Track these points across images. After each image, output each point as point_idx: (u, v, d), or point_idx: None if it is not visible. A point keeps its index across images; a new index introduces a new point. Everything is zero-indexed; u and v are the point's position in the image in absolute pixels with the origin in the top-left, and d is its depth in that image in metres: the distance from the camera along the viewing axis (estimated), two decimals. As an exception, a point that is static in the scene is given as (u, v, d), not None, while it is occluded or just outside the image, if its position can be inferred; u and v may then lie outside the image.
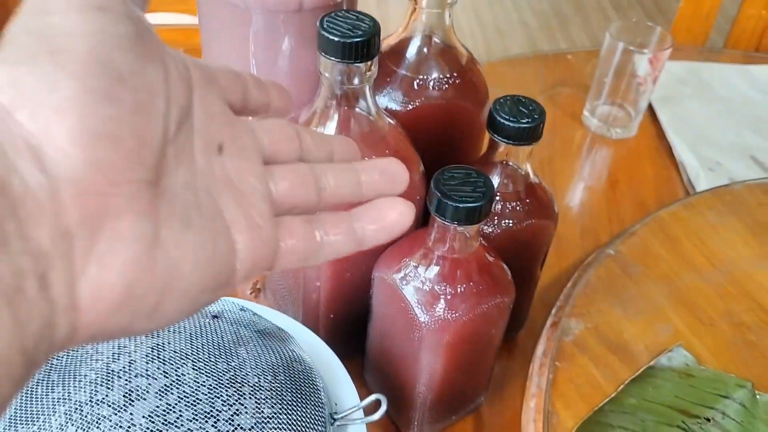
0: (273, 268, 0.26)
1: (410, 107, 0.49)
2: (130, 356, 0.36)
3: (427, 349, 0.44)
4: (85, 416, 0.33)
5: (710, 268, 0.56)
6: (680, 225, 0.59)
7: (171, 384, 0.35)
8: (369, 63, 0.40)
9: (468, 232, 0.41)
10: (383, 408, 0.40)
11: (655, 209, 0.65)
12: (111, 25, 0.20)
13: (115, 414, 0.33)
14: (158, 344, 0.37)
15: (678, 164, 0.78)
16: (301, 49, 0.46)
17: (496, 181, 0.47)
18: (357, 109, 0.43)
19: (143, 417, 0.33)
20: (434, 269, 0.43)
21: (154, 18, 0.98)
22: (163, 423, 0.34)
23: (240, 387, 0.36)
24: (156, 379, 0.35)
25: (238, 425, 0.35)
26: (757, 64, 0.94)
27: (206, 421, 0.34)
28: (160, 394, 0.34)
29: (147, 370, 0.35)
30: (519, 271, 0.46)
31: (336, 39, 0.38)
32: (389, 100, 0.50)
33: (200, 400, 0.34)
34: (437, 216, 0.40)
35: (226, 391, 0.35)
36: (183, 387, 0.35)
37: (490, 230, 0.47)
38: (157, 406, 0.34)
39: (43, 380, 0.36)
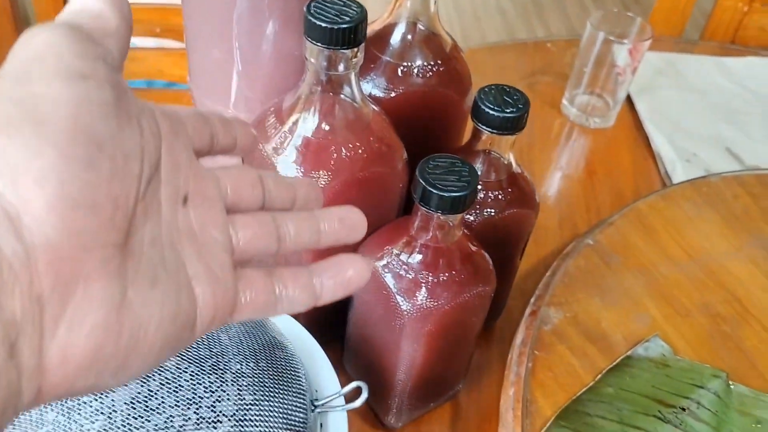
0: (232, 320, 0.26)
1: (394, 94, 0.49)
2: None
3: (408, 337, 0.44)
4: (65, 402, 0.33)
5: (687, 260, 0.57)
6: (658, 216, 0.60)
7: (152, 371, 0.34)
8: (355, 50, 0.39)
9: (452, 221, 0.41)
10: (364, 395, 0.40)
11: (632, 199, 0.66)
12: (93, 93, 0.21)
13: (96, 400, 0.33)
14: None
15: (655, 155, 0.79)
16: (286, 34, 0.46)
17: (478, 169, 0.47)
18: (342, 96, 0.42)
19: (125, 403, 0.33)
20: (417, 257, 0.43)
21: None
22: (144, 409, 0.33)
23: (222, 374, 0.36)
24: (137, 365, 0.34)
25: (220, 412, 0.35)
26: (732, 56, 0.95)
27: (188, 408, 0.34)
28: (141, 381, 0.34)
29: (128, 357, 0.35)
30: (499, 260, 0.47)
31: (323, 25, 0.37)
32: (373, 87, 0.49)
33: (182, 387, 0.34)
34: (421, 205, 0.40)
35: (208, 377, 0.35)
36: (164, 373, 0.34)
37: (472, 218, 0.48)
38: (139, 392, 0.33)
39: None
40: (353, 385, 0.41)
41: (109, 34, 0.23)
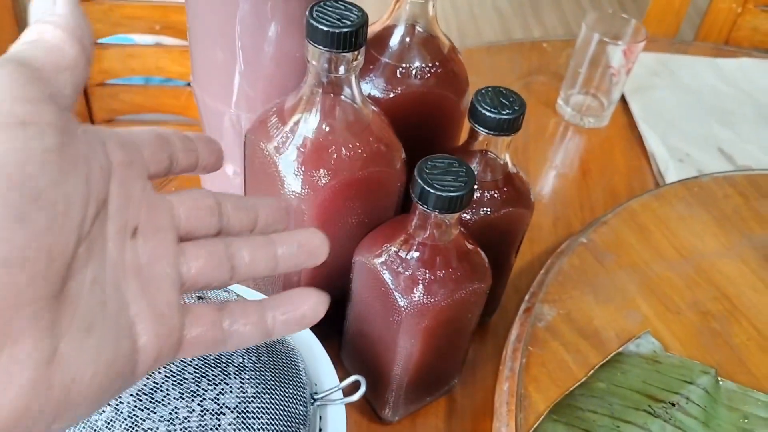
0: (177, 357, 0.25)
1: (393, 95, 0.50)
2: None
3: (405, 332, 0.45)
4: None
5: (678, 258, 0.58)
6: (650, 215, 0.61)
7: (158, 364, 0.35)
8: (356, 53, 0.40)
9: (449, 219, 0.42)
10: (362, 389, 0.41)
11: (626, 198, 0.67)
12: (34, 140, 0.20)
13: (103, 393, 0.34)
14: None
15: (648, 154, 0.80)
16: (288, 35, 0.47)
17: (475, 169, 0.48)
18: (342, 97, 0.43)
19: (131, 395, 0.34)
20: (414, 255, 0.44)
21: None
22: (150, 401, 0.34)
23: (225, 367, 0.37)
24: (143, 359, 0.35)
25: (223, 404, 0.36)
26: (726, 57, 0.96)
27: (192, 400, 0.35)
28: (147, 375, 0.35)
29: (134, 351, 0.36)
30: (495, 258, 0.48)
31: (325, 28, 0.38)
32: (372, 88, 0.50)
33: (186, 380, 0.35)
34: (419, 204, 0.41)
35: (212, 370, 0.36)
36: (170, 366, 0.35)
37: (468, 217, 0.49)
38: (145, 385, 0.34)
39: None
40: (351, 379, 0.42)
41: (64, 68, 0.22)
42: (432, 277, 0.43)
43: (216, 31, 0.48)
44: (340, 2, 0.40)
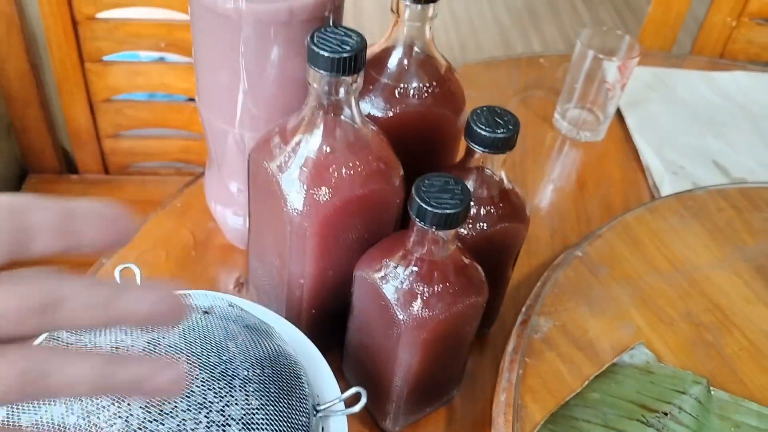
0: None
1: (391, 114, 0.52)
2: (127, 350, 0.38)
3: (405, 345, 0.46)
4: (86, 406, 0.35)
5: (672, 270, 0.59)
6: (644, 228, 0.63)
7: (166, 377, 0.37)
8: (355, 76, 0.42)
9: (445, 236, 0.44)
10: (363, 401, 0.43)
11: (622, 210, 0.68)
12: None
13: (114, 404, 0.35)
14: (154, 339, 0.39)
15: (644, 167, 0.81)
16: (290, 58, 0.48)
17: (471, 186, 0.50)
18: (342, 117, 0.45)
19: (140, 407, 0.36)
20: (413, 270, 0.45)
21: (132, 12, 0.99)
22: (159, 413, 0.36)
23: (231, 380, 0.38)
24: (152, 372, 0.37)
25: (229, 416, 0.37)
26: (721, 70, 0.98)
27: (199, 412, 0.36)
28: (156, 387, 0.36)
29: (143, 365, 0.37)
30: (492, 271, 0.49)
31: (326, 54, 0.40)
32: (371, 107, 0.52)
33: (194, 392, 0.37)
34: (417, 221, 0.42)
35: (218, 383, 0.37)
36: (177, 380, 0.37)
37: (465, 232, 0.50)
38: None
39: (43, 373, 0.38)
40: (353, 390, 0.43)
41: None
42: (430, 292, 0.45)
43: (220, 54, 0.49)
44: (340, 28, 0.42)
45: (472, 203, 0.50)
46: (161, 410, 0.36)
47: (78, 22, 0.96)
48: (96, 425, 0.35)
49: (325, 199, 0.45)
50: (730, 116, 0.90)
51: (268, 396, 0.39)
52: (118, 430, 0.35)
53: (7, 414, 0.36)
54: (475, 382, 0.57)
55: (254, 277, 0.57)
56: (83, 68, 1.00)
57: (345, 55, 0.40)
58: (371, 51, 0.52)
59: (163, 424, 0.36)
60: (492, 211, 0.51)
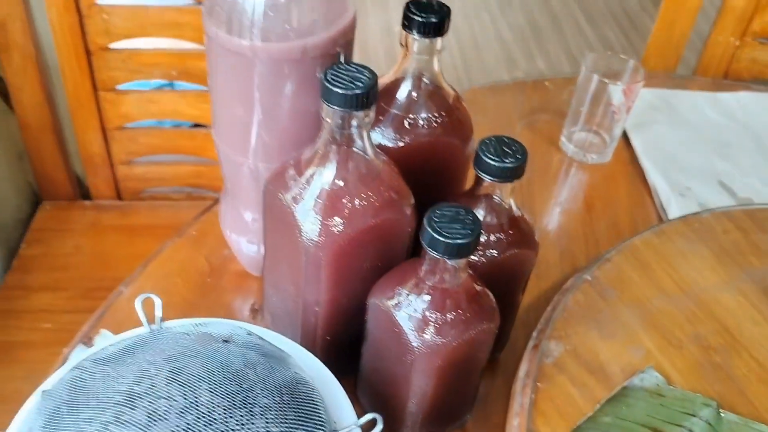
0: None
1: (401, 144, 0.53)
2: (151, 380, 0.39)
3: (419, 371, 0.47)
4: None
5: (680, 293, 0.60)
6: (652, 251, 0.64)
7: (189, 405, 0.38)
8: (367, 111, 0.43)
9: (457, 265, 0.45)
10: (379, 426, 0.44)
11: (629, 232, 0.69)
12: None
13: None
14: (176, 368, 0.40)
15: (651, 189, 0.82)
16: (303, 93, 0.50)
17: (480, 213, 0.51)
18: (354, 149, 0.46)
19: (164, 438, 0.37)
20: (425, 298, 0.46)
21: (144, 42, 1.01)
22: (182, 443, 0.37)
23: (251, 407, 0.39)
24: (176, 400, 0.38)
25: (250, 445, 0.38)
26: (725, 91, 0.99)
27: (221, 441, 0.37)
28: (179, 414, 0.37)
29: (167, 392, 0.38)
30: (502, 297, 0.50)
31: (339, 91, 0.41)
32: (382, 137, 0.53)
33: (216, 420, 0.38)
34: (430, 250, 0.43)
35: (239, 410, 0.39)
36: (200, 408, 0.38)
37: (476, 259, 0.51)
38: (178, 425, 0.37)
39: (71, 402, 0.39)
40: (369, 416, 0.44)
41: None
42: (443, 319, 0.46)
43: (236, 89, 0.51)
44: (352, 65, 0.43)
45: (482, 231, 0.51)
46: (184, 440, 0.37)
47: (92, 52, 0.98)
48: (121, 455, 0.36)
49: (339, 229, 0.47)
50: (735, 136, 0.91)
51: (287, 422, 0.40)
52: (142, 459, 0.36)
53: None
54: (487, 406, 0.57)
55: (269, 304, 0.58)
56: (97, 97, 1.02)
57: (357, 91, 0.42)
58: (381, 83, 0.54)
59: (186, 453, 0.37)
60: (501, 238, 0.52)
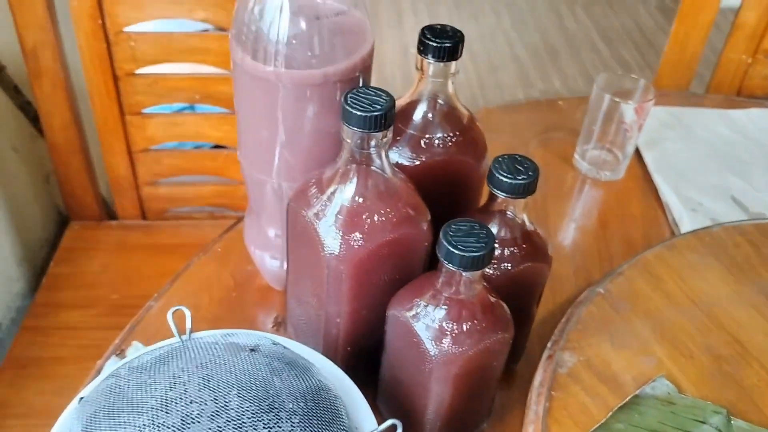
0: None
1: (418, 163, 0.55)
2: (184, 386, 0.41)
3: (437, 379, 0.49)
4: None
5: (691, 305, 0.62)
6: (663, 265, 0.65)
7: (220, 409, 0.40)
8: (385, 131, 0.46)
9: (472, 276, 0.47)
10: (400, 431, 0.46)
11: (643, 247, 0.71)
12: None
13: (172, 436, 0.39)
14: (207, 375, 0.42)
15: (663, 205, 0.84)
16: (324, 115, 0.52)
17: (495, 228, 0.53)
18: (373, 168, 0.49)
19: (196, 440, 0.39)
20: (442, 309, 0.48)
21: (169, 68, 1.04)
22: (213, 445, 0.39)
23: (278, 412, 0.41)
24: (207, 405, 0.40)
25: (276, 447, 0.40)
26: (738, 108, 1.00)
27: (250, 444, 0.39)
28: (211, 418, 0.40)
29: (199, 397, 0.41)
30: (517, 309, 0.52)
31: (358, 113, 0.44)
32: (399, 156, 0.56)
33: (245, 423, 0.40)
34: (446, 263, 0.46)
35: (267, 415, 0.41)
36: (230, 412, 0.40)
37: (491, 272, 0.53)
38: (209, 429, 0.39)
39: (108, 407, 0.42)
40: (389, 422, 0.46)
41: None
42: (459, 329, 0.48)
43: (261, 112, 0.54)
44: (370, 89, 0.46)
45: (496, 245, 0.53)
46: (215, 442, 0.39)
47: (119, 78, 1.02)
48: (155, 456, 0.39)
49: (359, 243, 0.49)
50: (748, 153, 0.92)
51: (311, 427, 0.42)
52: (176, 460, 0.39)
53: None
54: (504, 415, 0.59)
55: (292, 316, 0.61)
56: (123, 120, 1.05)
57: (376, 113, 0.44)
58: (398, 104, 0.56)
59: (217, 455, 0.39)
60: (515, 252, 0.54)
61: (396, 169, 0.51)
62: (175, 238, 1.17)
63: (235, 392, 0.42)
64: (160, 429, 0.39)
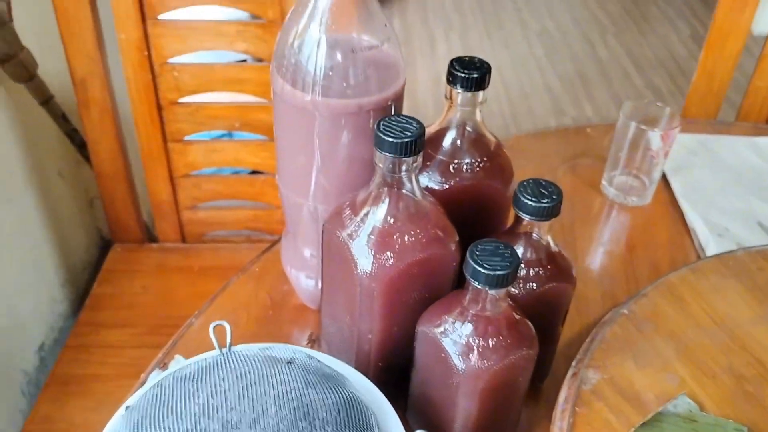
0: None
1: (447, 187, 0.58)
2: (224, 394, 0.44)
3: (463, 393, 0.52)
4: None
5: (713, 326, 0.63)
6: (687, 287, 0.67)
7: (258, 417, 0.43)
8: (416, 157, 0.49)
9: (498, 294, 0.49)
10: (427, 443, 0.48)
11: (669, 272, 0.72)
12: None
13: (214, 440, 0.42)
14: (246, 385, 0.45)
15: (690, 230, 0.85)
16: (358, 142, 0.56)
17: (520, 249, 0.56)
18: (404, 191, 0.52)
19: (237, 443, 0.42)
20: (469, 325, 0.51)
21: (210, 97, 1.09)
22: (252, 449, 0.42)
23: (312, 420, 0.44)
24: (246, 412, 0.43)
25: (311, 452, 0.43)
26: (765, 135, 1.02)
27: (286, 448, 0.42)
28: (250, 425, 0.42)
29: (239, 405, 0.43)
30: (542, 328, 0.54)
31: (390, 139, 0.47)
32: (429, 181, 0.59)
33: (281, 430, 0.43)
34: (472, 281, 0.48)
35: (302, 423, 0.43)
36: (267, 419, 0.43)
37: (517, 292, 0.56)
38: (249, 434, 0.42)
39: (153, 414, 0.45)
40: (417, 433, 0.48)
41: None
42: (485, 345, 0.50)
43: (298, 139, 0.57)
44: (401, 117, 0.49)
45: (522, 265, 0.55)
46: (254, 445, 0.42)
47: (162, 106, 1.06)
48: (199, 459, 0.42)
49: (390, 263, 0.52)
50: (775, 179, 0.94)
51: (343, 436, 0.45)
52: (218, 462, 0.41)
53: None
54: (530, 431, 0.61)
55: (326, 333, 0.63)
56: (166, 147, 1.10)
57: (406, 139, 0.47)
58: (428, 131, 0.59)
59: (256, 458, 0.42)
60: (540, 272, 0.56)
61: (426, 192, 0.54)
62: (213, 260, 1.21)
63: (272, 401, 0.44)
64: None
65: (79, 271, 1.37)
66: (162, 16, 1.02)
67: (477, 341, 0.50)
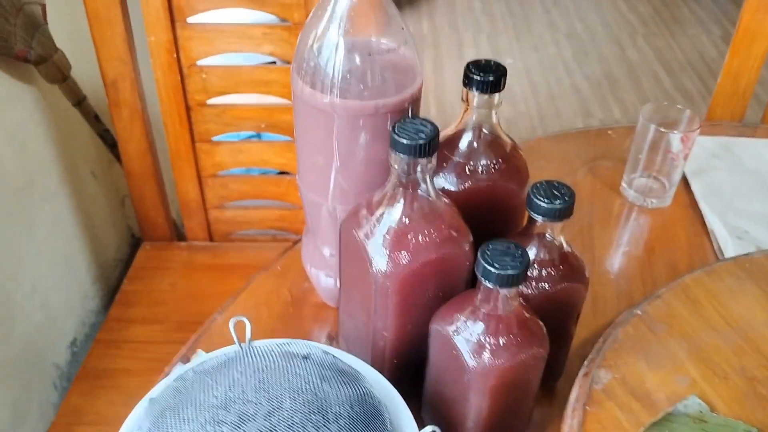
0: None
1: (462, 188, 0.60)
2: (242, 387, 0.46)
3: (475, 390, 0.53)
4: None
5: (727, 328, 0.64)
6: (702, 289, 0.67)
7: (273, 410, 0.45)
8: (430, 158, 0.50)
9: (508, 293, 0.50)
10: (438, 436, 0.49)
11: (684, 275, 0.73)
12: None
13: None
14: (263, 378, 0.47)
15: (709, 232, 0.86)
16: (376, 143, 0.57)
17: (533, 250, 0.57)
18: (419, 192, 0.53)
19: (251, 433, 0.43)
20: (481, 324, 0.52)
21: (236, 98, 1.11)
22: (267, 439, 0.43)
23: (325, 414, 0.46)
24: (262, 405, 0.45)
25: (324, 443, 0.44)
26: (790, 138, 1.01)
27: (300, 439, 0.44)
28: (265, 417, 0.44)
29: (255, 398, 0.45)
30: (555, 327, 0.55)
31: (405, 141, 0.48)
32: (445, 182, 0.60)
33: (296, 423, 0.44)
34: (483, 280, 0.49)
35: (315, 416, 0.45)
36: (282, 412, 0.45)
37: (529, 292, 0.57)
38: (264, 426, 0.44)
39: (174, 405, 0.46)
40: (429, 428, 0.50)
41: None
42: (496, 343, 0.51)
43: (317, 140, 0.59)
44: (416, 119, 0.50)
45: (535, 266, 0.57)
46: (269, 435, 0.43)
47: (191, 108, 1.09)
48: (216, 447, 0.43)
49: (404, 262, 0.53)
50: (797, 182, 0.93)
51: (356, 429, 0.46)
52: (235, 451, 0.43)
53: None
54: (543, 429, 0.62)
55: (343, 330, 0.65)
56: (194, 147, 1.13)
57: (421, 141, 0.48)
58: (445, 134, 0.61)
59: (271, 448, 0.43)
60: (553, 272, 0.57)
61: (440, 192, 0.56)
62: (240, 259, 1.24)
63: (287, 394, 0.46)
64: (220, 425, 0.44)
65: (110, 268, 1.41)
66: (190, 19, 1.04)
67: (488, 339, 0.51)
